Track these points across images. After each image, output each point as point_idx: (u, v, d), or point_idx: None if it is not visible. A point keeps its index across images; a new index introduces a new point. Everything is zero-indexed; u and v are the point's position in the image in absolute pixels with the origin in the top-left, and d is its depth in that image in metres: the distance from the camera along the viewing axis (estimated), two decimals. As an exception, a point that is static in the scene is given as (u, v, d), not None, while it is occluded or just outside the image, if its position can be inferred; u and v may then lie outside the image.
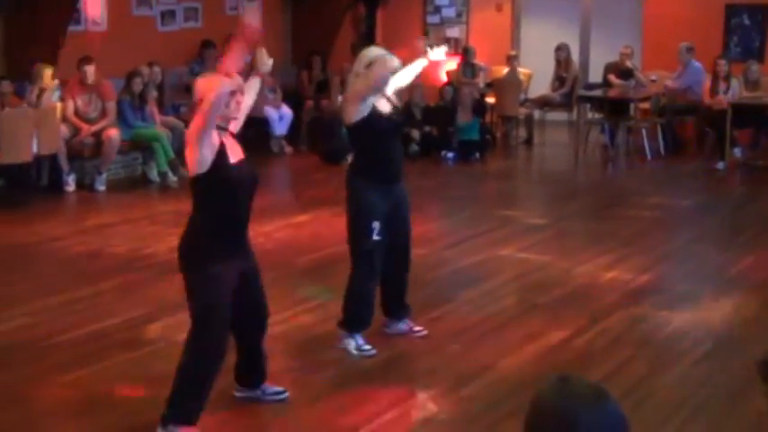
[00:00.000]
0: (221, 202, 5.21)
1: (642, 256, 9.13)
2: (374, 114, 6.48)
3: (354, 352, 6.60)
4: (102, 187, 11.91)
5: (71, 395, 5.96)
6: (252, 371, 5.79)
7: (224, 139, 5.20)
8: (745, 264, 8.93)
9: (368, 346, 6.64)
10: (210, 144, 5.08)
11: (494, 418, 5.66)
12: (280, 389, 5.90)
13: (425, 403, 5.92)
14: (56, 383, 6.13)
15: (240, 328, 5.52)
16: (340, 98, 14.55)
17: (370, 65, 6.46)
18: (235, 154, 5.26)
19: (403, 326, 6.99)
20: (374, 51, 6.64)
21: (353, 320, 6.69)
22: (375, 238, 6.51)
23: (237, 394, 5.85)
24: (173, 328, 7.07)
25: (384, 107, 6.58)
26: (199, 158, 5.11)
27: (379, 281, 6.74)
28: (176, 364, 5.31)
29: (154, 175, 12.41)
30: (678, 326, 7.29)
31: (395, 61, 6.52)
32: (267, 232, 9.56)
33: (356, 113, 6.45)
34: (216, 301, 5.23)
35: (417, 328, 7.01)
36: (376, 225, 6.51)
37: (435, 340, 6.95)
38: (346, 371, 6.43)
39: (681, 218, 11.22)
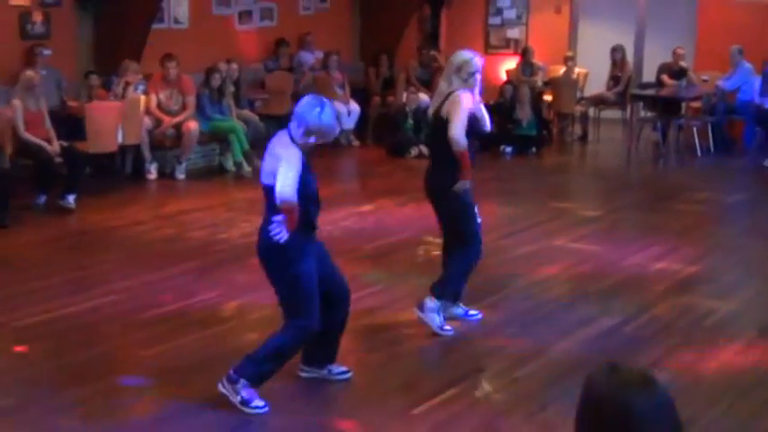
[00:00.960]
0: (304, 207, 5.28)
1: (691, 247, 9.04)
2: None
3: (436, 330, 6.66)
4: (181, 176, 12.04)
5: (150, 370, 6.04)
6: (327, 347, 5.82)
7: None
8: (791, 257, 8.82)
9: (448, 327, 6.71)
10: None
11: (546, 399, 5.64)
12: (345, 368, 5.93)
13: (482, 383, 5.92)
14: (136, 358, 6.24)
15: (329, 304, 5.57)
16: (405, 94, 14.61)
17: (459, 68, 6.54)
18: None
19: (459, 310, 6.99)
20: (462, 55, 6.70)
21: (452, 294, 6.82)
22: (479, 220, 6.78)
23: (303, 375, 5.87)
24: (244, 307, 7.16)
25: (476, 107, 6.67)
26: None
27: None
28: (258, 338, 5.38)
29: (230, 164, 12.52)
30: (724, 315, 7.21)
31: (481, 62, 6.64)
32: (334, 220, 9.59)
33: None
34: (309, 292, 5.36)
35: (473, 312, 7.01)
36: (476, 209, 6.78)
37: (492, 324, 6.94)
38: (406, 352, 6.46)
39: (729, 212, 11.09)
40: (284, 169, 5.18)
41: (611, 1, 16.60)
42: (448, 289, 6.80)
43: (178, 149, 12.13)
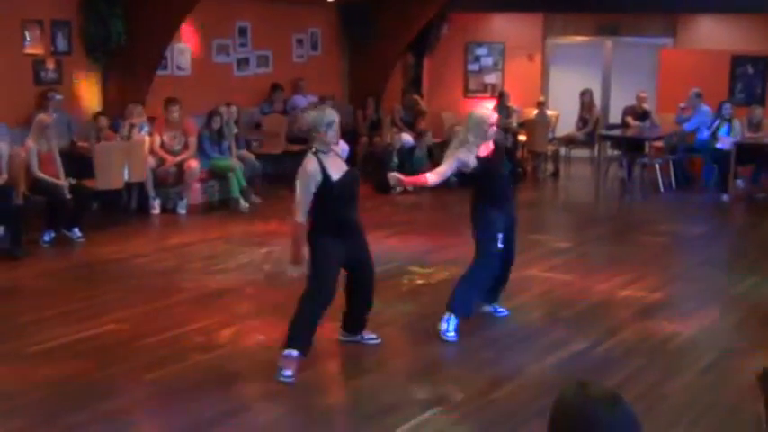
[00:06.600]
0: (330, 203, 6.17)
1: (654, 276, 9.04)
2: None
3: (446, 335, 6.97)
4: (183, 211, 12.01)
5: (152, 391, 5.99)
6: (358, 319, 6.73)
7: (325, 162, 6.15)
8: (747, 284, 8.81)
9: (452, 334, 6.97)
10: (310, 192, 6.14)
11: (522, 418, 5.60)
12: (374, 335, 6.82)
13: (462, 404, 5.87)
14: (140, 381, 6.17)
15: (357, 285, 6.58)
16: (390, 135, 14.63)
17: (477, 125, 6.92)
18: (337, 169, 6.21)
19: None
20: (478, 113, 7.10)
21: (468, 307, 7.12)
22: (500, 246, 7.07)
23: (342, 338, 6.76)
24: (241, 333, 7.11)
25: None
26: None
27: None
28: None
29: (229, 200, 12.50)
30: (686, 339, 7.20)
31: (494, 116, 7.08)
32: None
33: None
34: (323, 265, 6.17)
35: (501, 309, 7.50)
36: (500, 236, 7.04)
37: (470, 348, 6.90)
38: (392, 373, 6.41)
39: (689, 243, 11.10)
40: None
41: (580, 49, 16.72)
42: (463, 301, 7.07)
43: (180, 186, 12.11)
